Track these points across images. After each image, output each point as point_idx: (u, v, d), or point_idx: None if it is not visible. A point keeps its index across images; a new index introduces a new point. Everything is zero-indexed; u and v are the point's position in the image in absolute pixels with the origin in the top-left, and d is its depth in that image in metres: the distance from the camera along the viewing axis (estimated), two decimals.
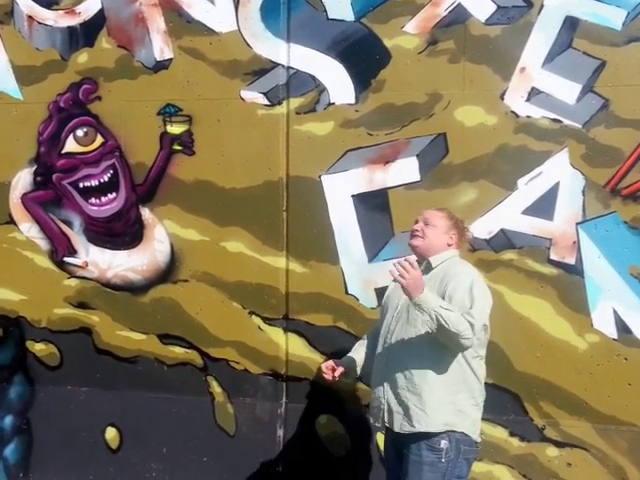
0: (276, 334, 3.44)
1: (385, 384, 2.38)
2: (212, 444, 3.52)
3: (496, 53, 3.09)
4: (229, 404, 3.53)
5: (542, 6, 3.02)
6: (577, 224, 2.88)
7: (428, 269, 2.40)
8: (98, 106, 3.65)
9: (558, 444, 2.90)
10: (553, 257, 2.94)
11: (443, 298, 2.26)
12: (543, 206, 3.05)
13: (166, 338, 3.61)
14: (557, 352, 3.01)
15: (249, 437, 3.48)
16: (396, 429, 2.30)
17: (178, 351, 3.58)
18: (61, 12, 3.73)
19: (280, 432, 3.44)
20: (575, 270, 2.90)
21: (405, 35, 3.20)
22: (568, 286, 2.91)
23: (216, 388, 3.55)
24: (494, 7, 3.08)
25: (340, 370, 2.49)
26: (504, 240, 3.05)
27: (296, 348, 3.41)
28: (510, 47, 3.06)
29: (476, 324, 2.18)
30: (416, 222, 2.49)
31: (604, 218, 2.86)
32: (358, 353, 2.62)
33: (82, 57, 3.65)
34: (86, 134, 3.74)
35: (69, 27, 3.70)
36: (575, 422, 2.88)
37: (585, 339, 2.87)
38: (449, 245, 2.45)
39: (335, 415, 3.36)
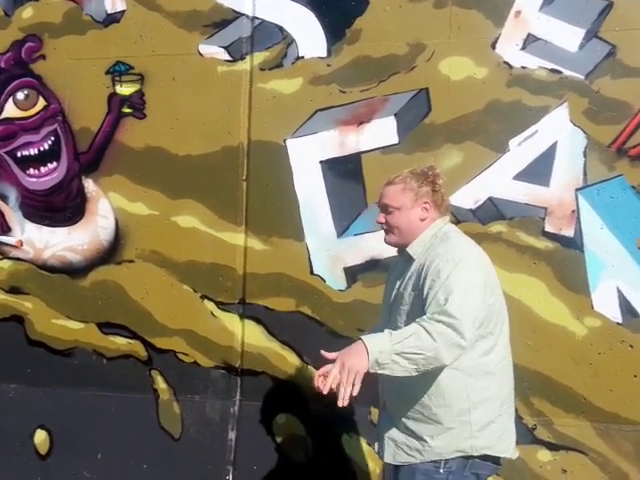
0: (231, 321, 3.24)
1: (383, 402, 2.12)
2: (154, 448, 3.30)
3: None
4: (175, 402, 3.32)
5: None
6: (577, 190, 2.73)
7: (409, 260, 2.05)
8: (42, 65, 3.51)
9: (552, 447, 2.72)
10: (549, 229, 2.78)
11: (422, 293, 1.92)
12: (538, 170, 2.86)
13: (107, 327, 3.42)
14: (552, 339, 2.80)
15: (197, 440, 3.26)
16: (387, 460, 2.02)
17: (120, 342, 3.40)
18: None
19: (232, 434, 3.23)
20: (574, 244, 2.73)
21: None
22: (565, 262, 2.74)
23: (161, 384, 3.35)
24: None
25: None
26: (492, 210, 2.91)
27: (253, 337, 3.21)
28: None
29: (457, 322, 1.77)
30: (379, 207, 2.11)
31: (608, 183, 2.70)
32: None
33: (27, 12, 3.54)
34: (27, 97, 3.62)
35: None
36: (572, 421, 2.71)
37: (584, 324, 2.70)
38: (423, 220, 2.03)
39: (295, 415, 3.15)
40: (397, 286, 2.06)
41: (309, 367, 3.10)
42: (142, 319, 3.36)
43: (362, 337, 1.82)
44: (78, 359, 3.44)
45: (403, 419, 1.99)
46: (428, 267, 1.94)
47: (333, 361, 1.85)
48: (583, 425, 2.73)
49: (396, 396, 2.03)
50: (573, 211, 2.82)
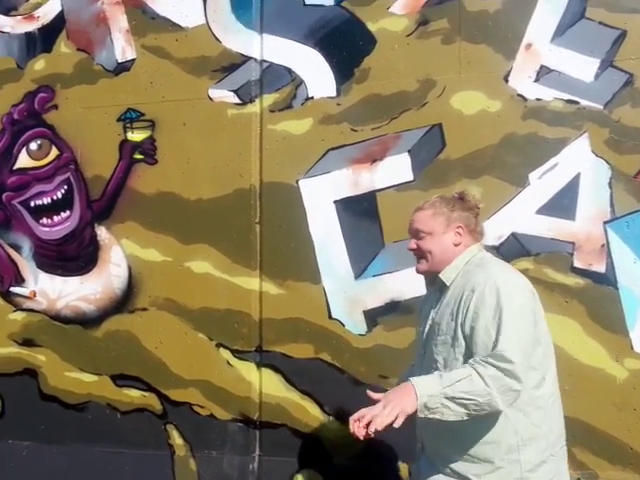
0: (248, 370, 3.09)
1: (421, 445, 1.96)
2: None
3: (497, 30, 2.86)
4: (191, 459, 3.16)
5: None
6: (605, 223, 2.62)
7: (443, 289, 1.91)
8: (54, 115, 3.49)
9: None
10: (578, 264, 2.65)
11: (464, 327, 1.78)
12: (562, 203, 2.72)
13: (120, 379, 3.29)
14: (590, 384, 2.60)
15: None
16: None
17: (134, 394, 3.26)
18: (19, 18, 3.67)
19: None
20: (606, 279, 2.60)
21: (391, 17, 3.01)
22: (599, 300, 2.61)
23: (177, 439, 3.19)
24: None
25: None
26: (517, 246, 2.76)
27: (271, 387, 3.05)
28: (513, 22, 2.84)
29: (512, 367, 1.66)
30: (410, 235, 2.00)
31: (638, 215, 2.57)
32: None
33: (39, 64, 3.55)
34: (40, 147, 3.61)
35: (27, 33, 3.64)
36: (618, 473, 2.54)
37: (624, 365, 2.55)
38: (457, 245, 1.90)
39: (318, 470, 2.97)
40: (432, 317, 1.91)
41: (331, 418, 2.92)
42: (156, 370, 3.23)
43: (411, 379, 1.70)
44: (92, 414, 3.31)
45: (445, 460, 1.83)
46: (469, 296, 1.79)
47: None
48: (632, 478, 2.52)
49: (436, 436, 1.86)
50: (603, 245, 2.66)
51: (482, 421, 1.76)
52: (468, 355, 1.77)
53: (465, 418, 1.67)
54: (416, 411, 1.66)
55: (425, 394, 1.65)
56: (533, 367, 1.78)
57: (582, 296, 2.67)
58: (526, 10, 2.83)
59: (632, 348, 2.59)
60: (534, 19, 2.82)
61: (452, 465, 1.83)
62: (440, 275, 1.90)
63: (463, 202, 1.95)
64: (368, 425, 1.77)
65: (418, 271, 1.97)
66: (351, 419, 1.80)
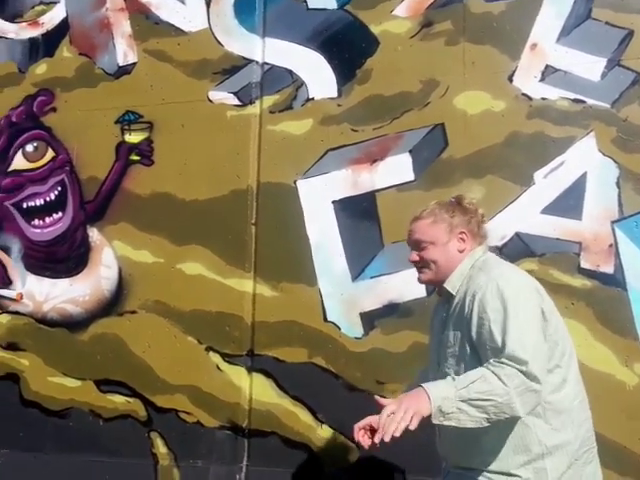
0: (238, 375, 2.84)
1: (444, 448, 1.77)
2: None
3: (501, 31, 2.73)
4: (175, 468, 2.88)
5: None
6: (613, 223, 2.45)
7: (450, 299, 1.74)
8: (52, 118, 3.34)
9: None
10: (585, 265, 2.47)
11: (471, 334, 1.62)
12: (568, 203, 2.54)
13: (105, 384, 3.03)
14: (598, 390, 2.30)
15: None
16: None
17: (118, 400, 2.99)
18: (24, 24, 3.55)
19: None
20: (614, 281, 2.42)
21: (395, 19, 2.88)
22: (607, 302, 2.43)
23: (161, 448, 2.90)
24: None
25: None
26: (521, 246, 2.57)
27: (262, 392, 2.79)
28: (518, 23, 2.71)
29: (526, 367, 1.50)
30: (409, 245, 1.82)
31: None
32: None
33: (40, 68, 3.42)
34: (36, 149, 3.43)
35: (30, 38, 3.52)
36: None
37: (635, 371, 2.35)
38: (461, 251, 1.74)
39: None
40: (441, 329, 1.75)
41: (324, 426, 2.64)
42: (142, 375, 2.97)
43: (422, 384, 1.53)
44: (73, 421, 3.04)
45: (470, 474, 1.65)
46: (471, 302, 1.63)
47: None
48: None
49: (458, 453, 1.69)
50: (610, 245, 2.47)
51: (503, 433, 1.60)
52: (479, 365, 1.58)
53: (484, 424, 1.48)
54: (430, 418, 1.47)
55: (439, 397, 1.47)
56: (550, 370, 1.61)
57: (589, 298, 2.46)
58: (531, 11, 2.71)
59: None
60: (539, 20, 2.70)
61: (479, 478, 1.64)
62: (445, 285, 1.73)
63: (461, 206, 1.78)
64: (373, 434, 1.56)
65: (421, 281, 1.80)
66: (356, 427, 1.59)
